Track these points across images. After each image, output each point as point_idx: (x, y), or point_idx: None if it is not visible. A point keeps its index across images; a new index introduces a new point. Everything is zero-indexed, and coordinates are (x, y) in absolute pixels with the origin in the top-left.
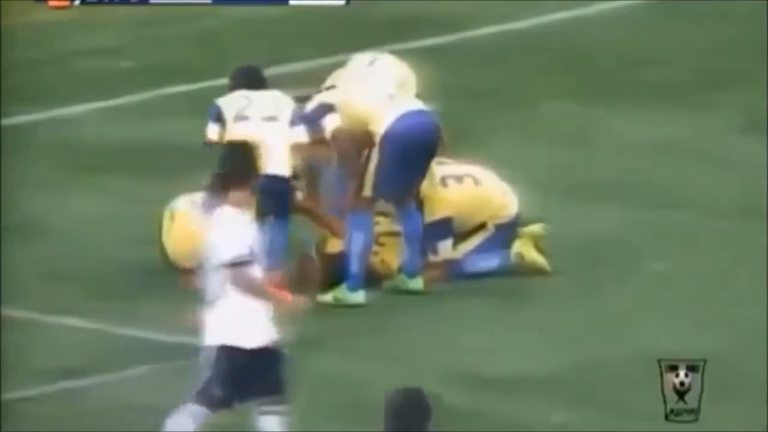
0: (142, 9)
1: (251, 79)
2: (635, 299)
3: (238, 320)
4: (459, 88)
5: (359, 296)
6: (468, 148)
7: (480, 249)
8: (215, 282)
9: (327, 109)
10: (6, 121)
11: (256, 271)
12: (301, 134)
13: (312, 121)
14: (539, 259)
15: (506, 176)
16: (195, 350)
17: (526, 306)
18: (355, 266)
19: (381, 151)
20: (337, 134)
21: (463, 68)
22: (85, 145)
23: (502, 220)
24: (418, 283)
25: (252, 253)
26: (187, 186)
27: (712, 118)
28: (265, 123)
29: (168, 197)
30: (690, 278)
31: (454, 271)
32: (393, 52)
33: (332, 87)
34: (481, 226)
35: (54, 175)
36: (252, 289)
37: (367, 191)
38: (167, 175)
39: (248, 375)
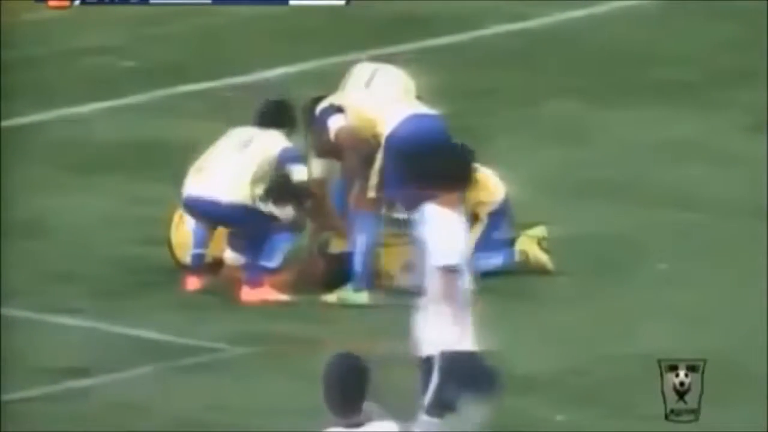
0: (144, 8)
1: (280, 116)
2: (639, 299)
3: (453, 323)
4: (464, 88)
5: (363, 297)
6: (473, 147)
7: (481, 245)
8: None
9: (335, 110)
10: (8, 121)
11: (464, 277)
12: (301, 172)
13: (319, 123)
14: (543, 258)
15: (512, 175)
16: (196, 350)
17: (529, 306)
18: (359, 267)
19: (385, 153)
20: (340, 134)
21: (467, 68)
22: (86, 145)
23: (492, 207)
24: None
25: (463, 259)
26: None
27: (718, 116)
28: (229, 152)
29: (170, 197)
30: (694, 278)
31: None
32: (396, 53)
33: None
34: (474, 220)
35: (55, 175)
36: (453, 299)
37: (372, 192)
38: (169, 175)
39: (469, 377)
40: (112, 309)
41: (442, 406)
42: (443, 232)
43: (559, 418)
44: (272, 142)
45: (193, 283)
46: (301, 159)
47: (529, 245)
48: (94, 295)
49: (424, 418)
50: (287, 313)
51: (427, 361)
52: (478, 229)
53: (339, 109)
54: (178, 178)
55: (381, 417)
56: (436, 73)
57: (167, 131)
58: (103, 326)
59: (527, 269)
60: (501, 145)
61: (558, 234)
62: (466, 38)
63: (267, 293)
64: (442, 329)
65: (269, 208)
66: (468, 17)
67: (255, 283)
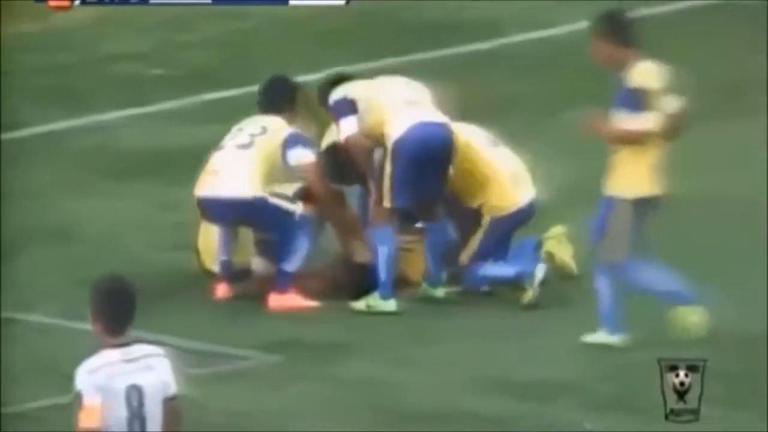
0: (172, 14)
1: (281, 94)
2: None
3: None
4: (482, 96)
5: (391, 304)
6: None
7: (483, 249)
8: None
9: (348, 106)
10: (37, 128)
11: None
12: (306, 156)
13: (332, 114)
14: (569, 262)
15: (534, 183)
16: (225, 357)
17: (552, 311)
18: (383, 275)
19: (392, 161)
20: (350, 141)
21: (486, 76)
22: (115, 152)
23: (499, 213)
24: (440, 293)
25: None
26: None
27: (738, 122)
28: (236, 150)
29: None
30: (714, 282)
31: (469, 281)
32: (417, 61)
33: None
34: (477, 224)
35: (84, 181)
36: None
37: (387, 202)
38: (196, 182)
39: None
40: (139, 315)
41: None
42: None
43: (589, 425)
44: (276, 130)
45: (222, 290)
46: (308, 142)
47: (557, 247)
48: None
49: None
50: (316, 320)
51: None
52: (478, 235)
53: (352, 105)
54: None
55: (148, 342)
56: (456, 80)
57: (195, 138)
58: (131, 333)
59: (551, 274)
60: (520, 153)
61: (579, 242)
62: (486, 47)
63: (294, 300)
64: None
65: (281, 202)
66: (487, 25)
67: (282, 290)
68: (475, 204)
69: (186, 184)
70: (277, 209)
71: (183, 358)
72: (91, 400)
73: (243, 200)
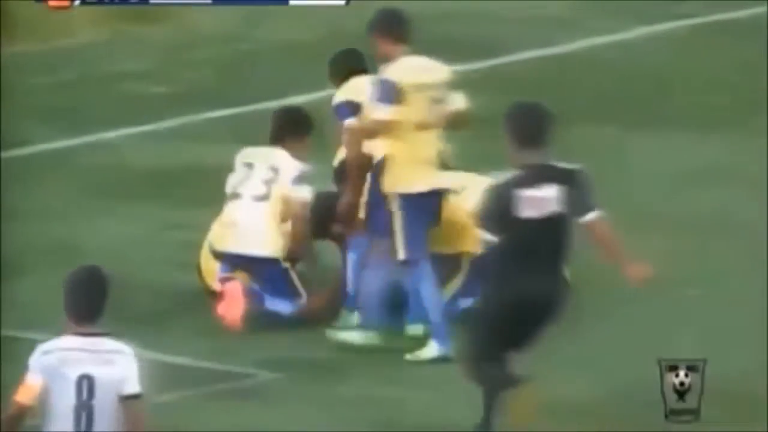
0: (175, 34)
1: (295, 122)
2: (668, 326)
3: None
4: (490, 114)
5: (355, 317)
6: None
7: (464, 289)
8: None
9: (351, 108)
10: (40, 146)
11: None
12: (305, 193)
13: (335, 115)
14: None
15: None
16: (226, 376)
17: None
18: (350, 287)
19: (372, 177)
20: (345, 133)
21: (494, 94)
22: (117, 170)
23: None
24: (418, 332)
25: None
26: (218, 212)
27: (749, 141)
28: (254, 203)
29: (199, 222)
30: (724, 303)
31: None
32: None
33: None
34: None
35: (86, 200)
36: None
37: (361, 212)
38: (200, 201)
39: None
40: (141, 334)
41: None
42: None
43: None
44: (285, 170)
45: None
46: (306, 180)
47: None
48: (124, 320)
49: None
50: (316, 338)
51: None
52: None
53: (356, 108)
54: (209, 203)
55: (118, 339)
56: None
57: (198, 157)
58: (133, 352)
59: None
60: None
61: (587, 261)
62: (494, 64)
63: (232, 307)
64: None
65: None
66: (495, 43)
67: (248, 298)
68: (454, 252)
69: (189, 203)
70: (287, 277)
71: (185, 376)
72: (31, 379)
73: (260, 258)
